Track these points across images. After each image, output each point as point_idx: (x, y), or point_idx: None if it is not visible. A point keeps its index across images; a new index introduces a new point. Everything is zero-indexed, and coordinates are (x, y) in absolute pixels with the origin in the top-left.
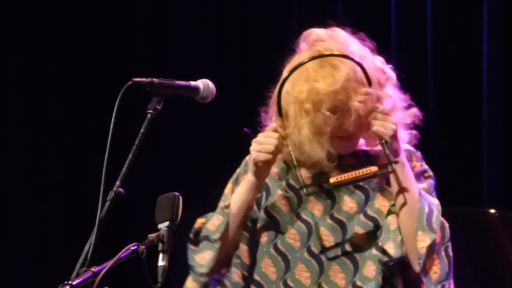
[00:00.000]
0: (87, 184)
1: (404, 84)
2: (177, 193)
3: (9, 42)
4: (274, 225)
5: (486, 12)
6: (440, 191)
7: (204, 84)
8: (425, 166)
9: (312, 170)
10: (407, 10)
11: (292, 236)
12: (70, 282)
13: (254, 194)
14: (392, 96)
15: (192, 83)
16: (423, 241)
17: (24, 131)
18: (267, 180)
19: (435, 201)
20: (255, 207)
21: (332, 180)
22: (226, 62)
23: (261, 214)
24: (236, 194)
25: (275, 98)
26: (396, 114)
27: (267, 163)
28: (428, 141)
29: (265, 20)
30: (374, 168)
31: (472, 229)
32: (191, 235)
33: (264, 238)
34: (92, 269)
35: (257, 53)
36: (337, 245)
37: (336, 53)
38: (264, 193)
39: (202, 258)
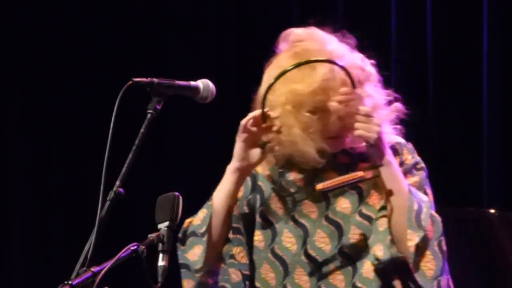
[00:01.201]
0: (87, 184)
1: (404, 84)
2: (177, 193)
3: (9, 42)
4: (270, 229)
5: (486, 12)
6: (440, 191)
7: (204, 84)
8: (417, 158)
9: (304, 171)
10: (407, 10)
11: (289, 239)
12: (70, 282)
13: (236, 183)
14: (373, 95)
15: (192, 83)
16: (412, 240)
17: (24, 131)
18: (259, 183)
19: (424, 198)
20: (245, 208)
21: (318, 186)
22: (226, 62)
23: (257, 218)
24: (219, 186)
25: (260, 101)
26: (379, 112)
27: (249, 143)
28: (428, 141)
29: (265, 20)
30: (360, 173)
31: (472, 229)
32: (179, 235)
33: (261, 243)
34: (92, 269)
35: (257, 54)
36: (334, 246)
37: (315, 54)
38: (258, 196)
39: (194, 254)
